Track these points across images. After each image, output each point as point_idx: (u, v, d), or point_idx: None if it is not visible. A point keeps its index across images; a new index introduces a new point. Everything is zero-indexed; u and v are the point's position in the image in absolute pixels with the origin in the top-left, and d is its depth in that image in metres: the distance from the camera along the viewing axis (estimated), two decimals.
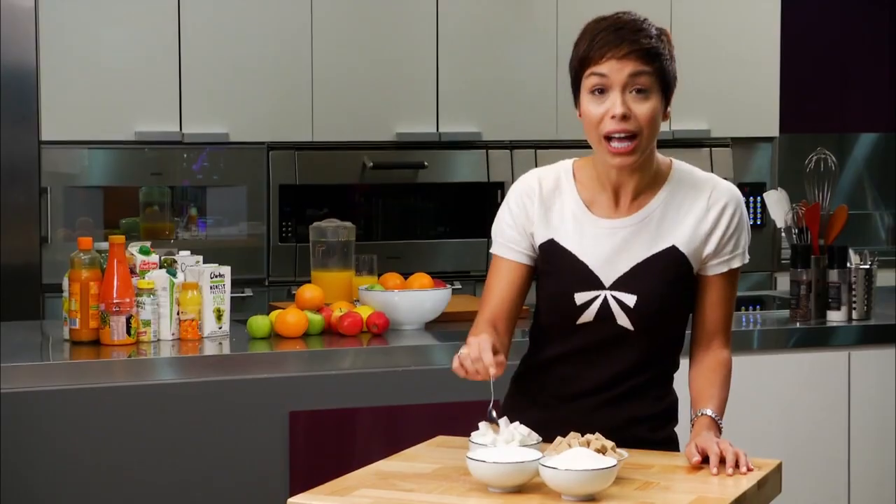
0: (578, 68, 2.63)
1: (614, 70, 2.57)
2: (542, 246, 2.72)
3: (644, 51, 2.58)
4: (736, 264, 2.72)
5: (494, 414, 2.48)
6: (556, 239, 2.70)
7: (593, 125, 2.61)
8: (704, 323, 2.74)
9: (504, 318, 2.72)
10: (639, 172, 2.67)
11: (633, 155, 2.60)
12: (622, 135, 2.59)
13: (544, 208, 2.72)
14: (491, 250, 2.78)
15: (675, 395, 2.80)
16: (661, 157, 2.73)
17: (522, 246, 2.74)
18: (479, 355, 2.48)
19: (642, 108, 2.59)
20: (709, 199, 2.70)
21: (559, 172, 2.75)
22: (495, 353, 2.51)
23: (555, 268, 2.70)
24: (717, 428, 2.66)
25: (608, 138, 2.60)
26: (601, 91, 2.59)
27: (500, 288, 2.74)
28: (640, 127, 2.59)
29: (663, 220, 2.69)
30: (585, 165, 2.73)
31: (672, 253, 2.68)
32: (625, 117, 2.58)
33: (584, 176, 2.73)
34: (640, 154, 2.61)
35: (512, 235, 2.74)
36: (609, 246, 2.68)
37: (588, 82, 2.61)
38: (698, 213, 2.69)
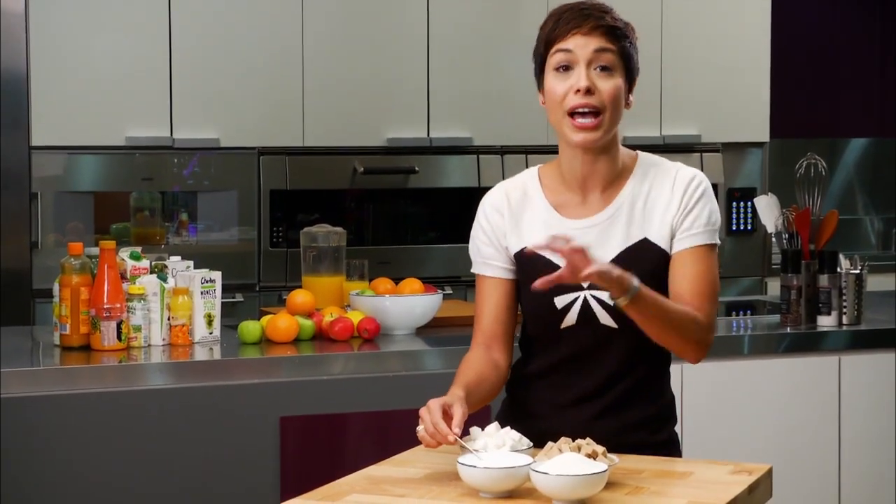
0: (544, 50, 2.64)
1: (579, 46, 2.59)
2: (516, 256, 2.71)
3: (608, 27, 2.60)
4: (700, 241, 2.64)
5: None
6: (530, 247, 2.69)
7: (557, 102, 2.61)
8: (672, 297, 2.63)
9: (498, 338, 2.72)
10: (603, 160, 2.65)
11: (596, 131, 2.59)
12: (586, 109, 2.58)
13: (514, 219, 2.71)
14: (472, 270, 2.77)
15: (671, 392, 2.79)
16: (626, 150, 2.72)
17: (501, 261, 2.73)
18: (435, 428, 2.46)
19: (607, 85, 2.59)
20: (673, 184, 2.67)
21: (525, 180, 2.74)
22: (447, 411, 2.47)
23: (532, 276, 2.66)
24: (625, 278, 2.47)
25: (572, 115, 2.60)
26: (566, 68, 2.60)
27: (488, 308, 2.73)
28: (604, 103, 2.59)
29: (633, 213, 2.67)
30: (551, 169, 2.73)
31: (645, 245, 2.66)
32: (589, 91, 2.58)
33: (550, 180, 2.72)
34: (603, 132, 2.60)
35: (489, 252, 2.73)
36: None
37: (553, 60, 2.61)
38: (665, 200, 2.67)
